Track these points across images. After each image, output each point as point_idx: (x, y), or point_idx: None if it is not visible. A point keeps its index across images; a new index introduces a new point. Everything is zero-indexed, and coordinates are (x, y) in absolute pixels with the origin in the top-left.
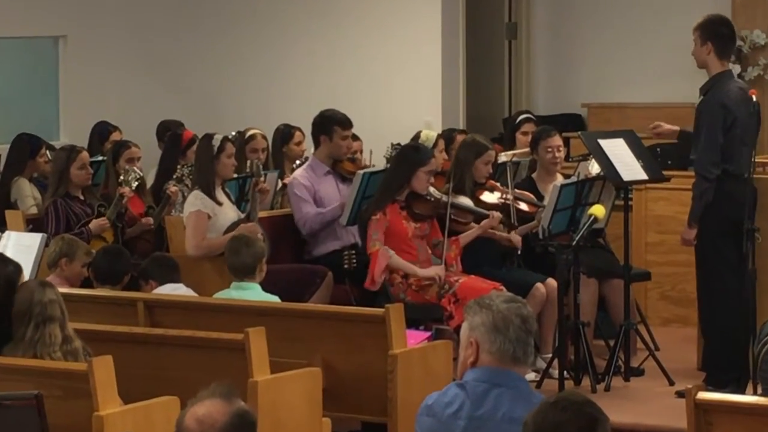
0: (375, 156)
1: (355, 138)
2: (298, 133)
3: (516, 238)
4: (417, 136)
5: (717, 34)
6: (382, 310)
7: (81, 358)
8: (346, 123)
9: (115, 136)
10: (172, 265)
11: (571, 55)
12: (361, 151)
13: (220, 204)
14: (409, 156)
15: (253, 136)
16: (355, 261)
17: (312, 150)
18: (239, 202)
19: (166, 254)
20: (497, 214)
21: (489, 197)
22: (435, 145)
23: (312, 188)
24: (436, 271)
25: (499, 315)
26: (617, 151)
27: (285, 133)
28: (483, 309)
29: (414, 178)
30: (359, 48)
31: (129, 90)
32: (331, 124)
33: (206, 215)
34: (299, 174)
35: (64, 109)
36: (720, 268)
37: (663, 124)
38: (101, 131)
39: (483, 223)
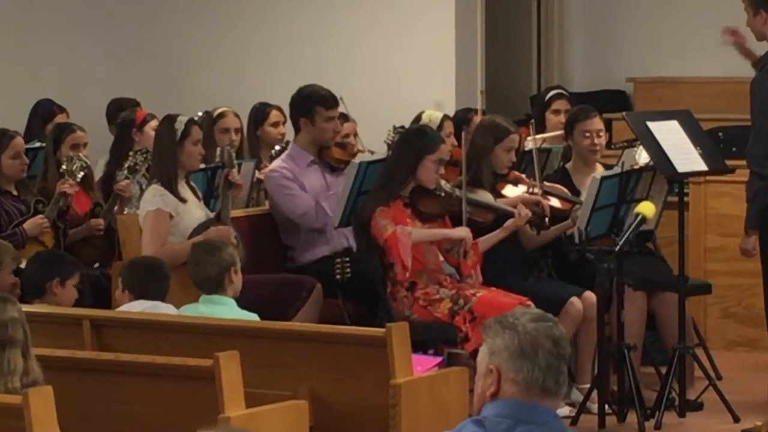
0: (374, 142)
1: (346, 118)
2: (275, 113)
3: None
4: (418, 117)
5: None
6: (383, 330)
7: None
8: (329, 101)
9: (60, 119)
10: (157, 276)
11: (614, 19)
12: (355, 134)
13: (184, 201)
14: (412, 142)
15: (222, 114)
16: (348, 270)
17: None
18: (207, 199)
19: (152, 261)
20: (525, 211)
21: (513, 192)
22: (440, 127)
23: (295, 181)
24: (465, 232)
25: (526, 337)
26: (670, 135)
27: (260, 113)
28: (506, 329)
29: (420, 169)
30: (355, 12)
31: (72, 62)
32: (311, 104)
33: (167, 215)
34: (277, 166)
35: None
36: None
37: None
38: (45, 112)
39: (507, 223)
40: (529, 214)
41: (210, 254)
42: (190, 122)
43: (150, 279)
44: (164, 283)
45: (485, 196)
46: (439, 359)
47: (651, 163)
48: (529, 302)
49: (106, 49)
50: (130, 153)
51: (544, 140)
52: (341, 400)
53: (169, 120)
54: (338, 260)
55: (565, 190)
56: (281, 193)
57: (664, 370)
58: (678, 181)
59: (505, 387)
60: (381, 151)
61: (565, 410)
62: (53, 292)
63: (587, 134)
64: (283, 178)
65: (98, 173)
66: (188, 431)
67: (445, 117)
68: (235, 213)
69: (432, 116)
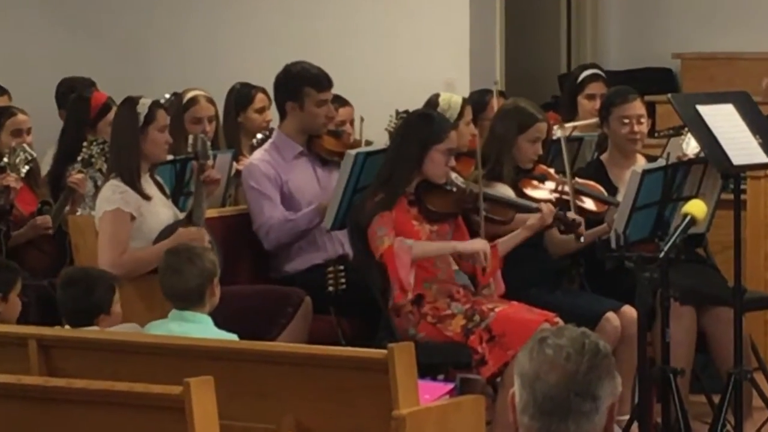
0: (371, 127)
1: (342, 102)
2: (260, 96)
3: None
4: (432, 101)
5: None
6: (384, 351)
7: None
8: (322, 81)
9: (1, 102)
10: (82, 288)
11: None
12: (351, 122)
13: (148, 198)
14: (418, 129)
15: (194, 100)
16: (343, 281)
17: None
18: (176, 196)
19: (74, 273)
20: (550, 208)
21: (538, 189)
22: (461, 115)
23: (278, 179)
24: (481, 245)
25: (532, 363)
26: (724, 121)
27: (242, 96)
28: (526, 348)
29: (426, 161)
30: None
31: (14, 35)
32: (300, 85)
33: (128, 216)
34: (258, 158)
35: None
36: None
37: None
38: None
39: (530, 221)
40: (555, 210)
41: (191, 262)
42: (155, 105)
43: (86, 299)
44: (108, 295)
45: (505, 191)
46: (450, 386)
47: (701, 155)
48: (557, 318)
49: (56, 20)
50: (84, 144)
51: (575, 128)
52: None
53: (130, 103)
54: (331, 269)
55: (601, 188)
56: (252, 195)
57: (716, 398)
58: (733, 175)
59: (517, 417)
60: (381, 141)
61: None
62: None
63: (626, 120)
64: (260, 175)
65: (45, 166)
66: None
67: (465, 101)
68: (210, 213)
69: (451, 101)
